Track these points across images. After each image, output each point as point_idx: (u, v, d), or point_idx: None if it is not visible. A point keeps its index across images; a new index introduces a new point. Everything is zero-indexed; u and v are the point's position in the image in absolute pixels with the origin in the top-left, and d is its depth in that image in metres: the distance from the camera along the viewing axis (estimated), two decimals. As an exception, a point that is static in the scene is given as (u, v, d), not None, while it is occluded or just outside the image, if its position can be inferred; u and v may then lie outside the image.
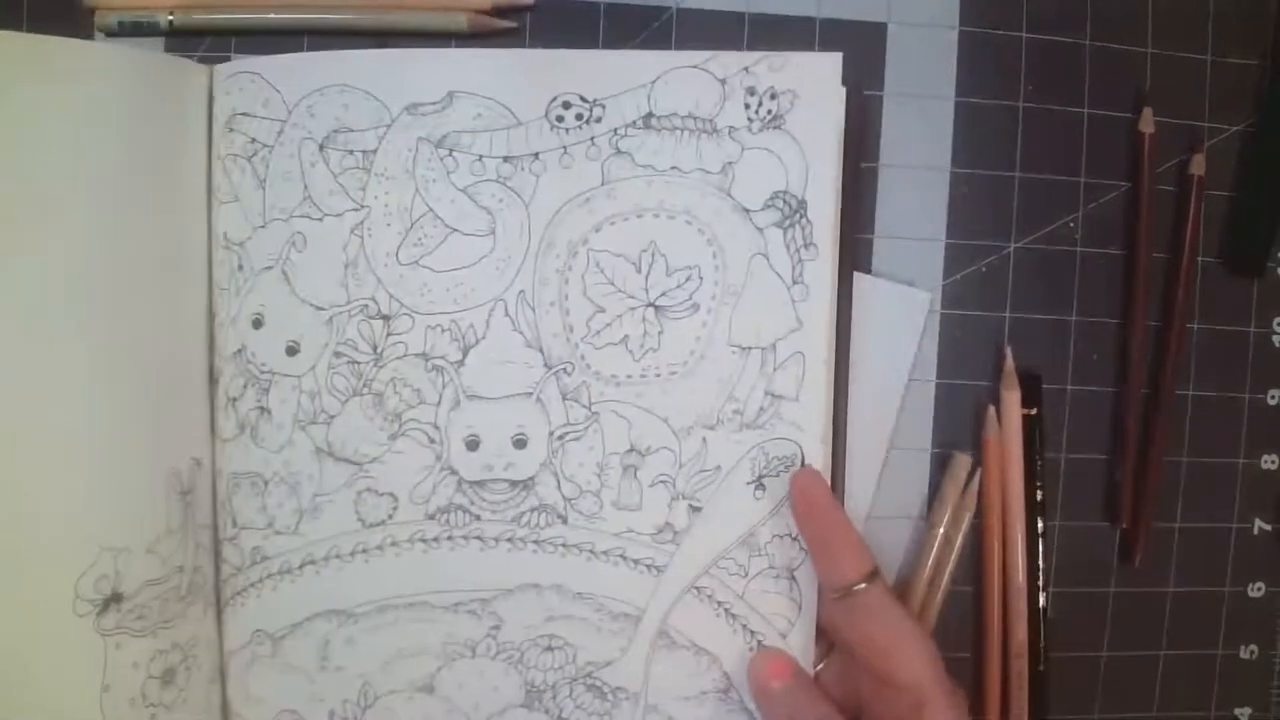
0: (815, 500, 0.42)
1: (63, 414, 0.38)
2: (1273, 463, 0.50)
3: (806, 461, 0.42)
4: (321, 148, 0.42)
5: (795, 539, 0.42)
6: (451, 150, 0.42)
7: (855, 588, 0.40)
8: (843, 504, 0.44)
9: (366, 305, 0.42)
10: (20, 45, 0.38)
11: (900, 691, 0.38)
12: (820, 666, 0.43)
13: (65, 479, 0.38)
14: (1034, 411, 0.48)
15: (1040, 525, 0.48)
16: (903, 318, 0.47)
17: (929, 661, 0.39)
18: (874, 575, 0.40)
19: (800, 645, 0.43)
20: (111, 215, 0.39)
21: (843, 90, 0.42)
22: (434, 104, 0.42)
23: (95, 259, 0.39)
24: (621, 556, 0.42)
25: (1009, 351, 0.48)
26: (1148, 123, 0.48)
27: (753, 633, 0.43)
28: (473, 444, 0.42)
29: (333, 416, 0.42)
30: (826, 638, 0.43)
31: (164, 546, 0.40)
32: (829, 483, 0.43)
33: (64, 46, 0.38)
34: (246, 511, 0.42)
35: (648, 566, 0.42)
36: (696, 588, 0.43)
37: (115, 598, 0.39)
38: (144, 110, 0.40)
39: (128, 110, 0.39)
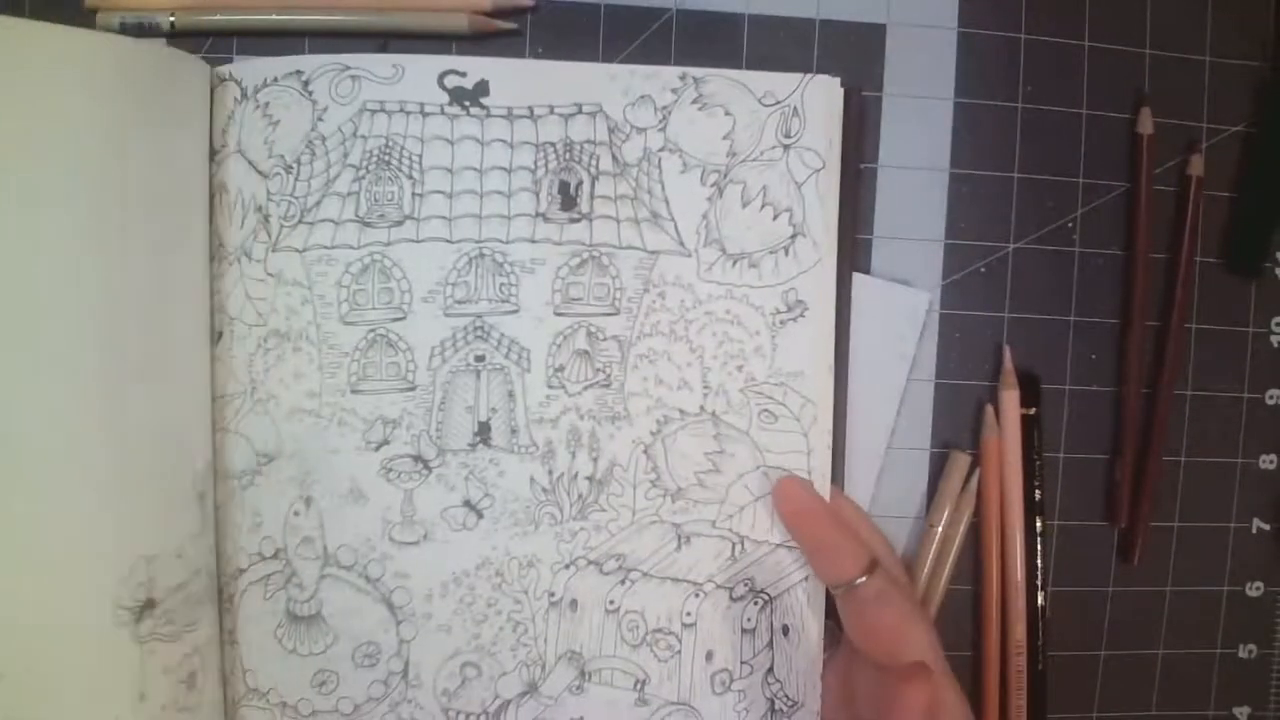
0: (801, 504, 0.42)
1: (89, 418, 0.38)
2: (1271, 463, 0.50)
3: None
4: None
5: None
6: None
7: (856, 582, 0.40)
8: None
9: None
10: (19, 31, 0.37)
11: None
12: (824, 657, 0.44)
13: (98, 487, 0.38)
14: (1033, 411, 0.48)
15: (1039, 525, 0.48)
16: (902, 318, 0.48)
17: (931, 647, 0.39)
18: (873, 567, 0.40)
19: None
20: (118, 217, 0.38)
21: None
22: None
23: (109, 263, 0.38)
24: None
25: (1008, 351, 0.48)
26: (1146, 123, 0.48)
27: None
28: None
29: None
30: (829, 631, 0.44)
31: (189, 550, 0.40)
32: (813, 484, 0.43)
33: (63, 34, 0.37)
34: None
35: None
36: None
37: (149, 604, 0.38)
38: (143, 101, 0.39)
39: (128, 100, 0.38)
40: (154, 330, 0.40)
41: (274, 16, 0.45)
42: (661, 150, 0.43)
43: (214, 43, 0.45)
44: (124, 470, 0.38)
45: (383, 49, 0.45)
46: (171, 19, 0.44)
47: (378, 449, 0.42)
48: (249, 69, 0.42)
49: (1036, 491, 0.48)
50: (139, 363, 0.39)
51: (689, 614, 0.43)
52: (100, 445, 0.38)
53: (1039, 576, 0.48)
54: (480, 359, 0.42)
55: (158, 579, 0.39)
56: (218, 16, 0.45)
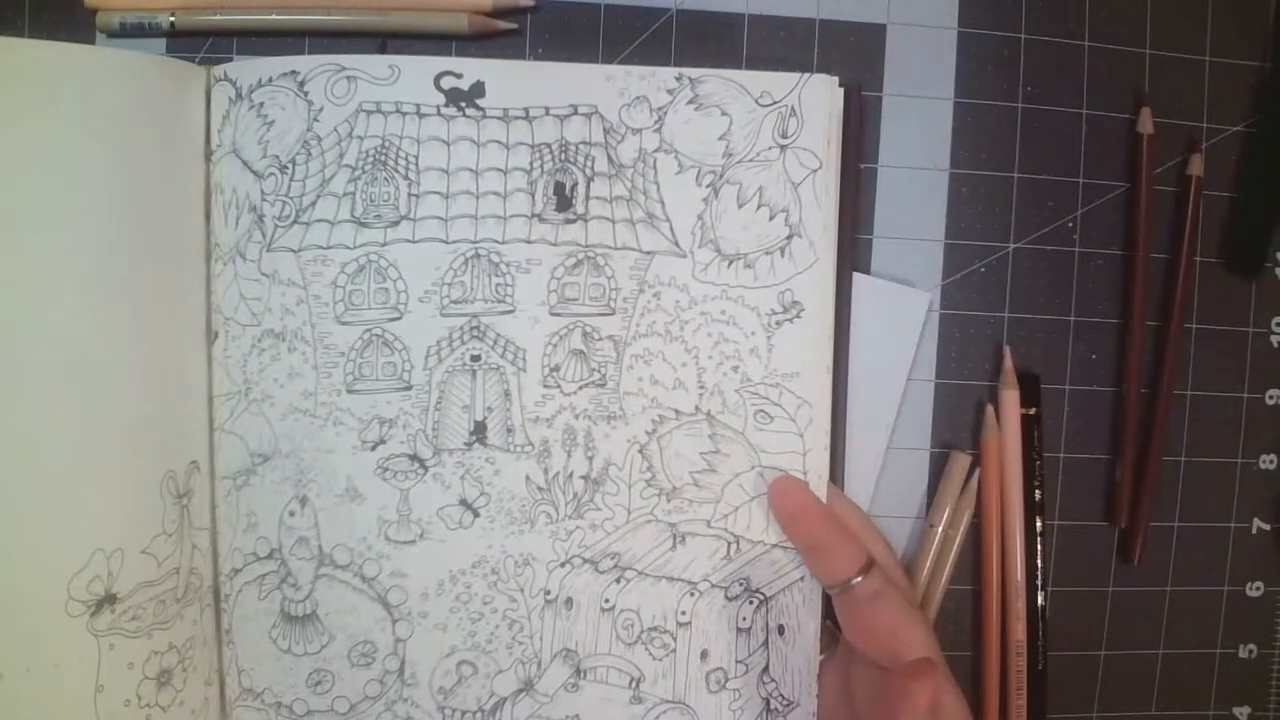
0: (796, 504, 0.42)
1: (56, 417, 0.38)
2: (1271, 463, 0.50)
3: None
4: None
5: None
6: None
7: (852, 582, 0.40)
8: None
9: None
10: (16, 51, 0.38)
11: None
12: (822, 657, 0.44)
13: (58, 481, 0.38)
14: (1033, 411, 0.48)
15: (1039, 524, 0.48)
16: (902, 318, 0.48)
17: (929, 647, 0.39)
18: (869, 566, 0.40)
19: None
20: (110, 220, 0.39)
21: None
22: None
23: (94, 264, 0.39)
24: None
25: (1008, 351, 0.48)
26: (1146, 123, 0.48)
27: None
28: None
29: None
30: (827, 631, 0.44)
31: (159, 549, 0.40)
32: (809, 484, 0.43)
33: (60, 51, 0.38)
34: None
35: None
36: None
37: (109, 599, 0.39)
38: (142, 113, 0.40)
39: (126, 114, 0.39)
40: (145, 330, 0.40)
41: (274, 16, 0.45)
42: (657, 151, 0.43)
43: (214, 42, 0.45)
44: (87, 465, 0.39)
45: (383, 49, 0.45)
46: (171, 19, 0.44)
47: (374, 448, 0.42)
48: (244, 69, 0.42)
49: (1036, 491, 0.48)
50: (124, 362, 0.39)
51: (684, 613, 0.43)
52: (64, 439, 0.38)
53: (1039, 576, 0.48)
54: (476, 359, 0.42)
55: (120, 575, 0.39)
56: (217, 16, 0.45)
